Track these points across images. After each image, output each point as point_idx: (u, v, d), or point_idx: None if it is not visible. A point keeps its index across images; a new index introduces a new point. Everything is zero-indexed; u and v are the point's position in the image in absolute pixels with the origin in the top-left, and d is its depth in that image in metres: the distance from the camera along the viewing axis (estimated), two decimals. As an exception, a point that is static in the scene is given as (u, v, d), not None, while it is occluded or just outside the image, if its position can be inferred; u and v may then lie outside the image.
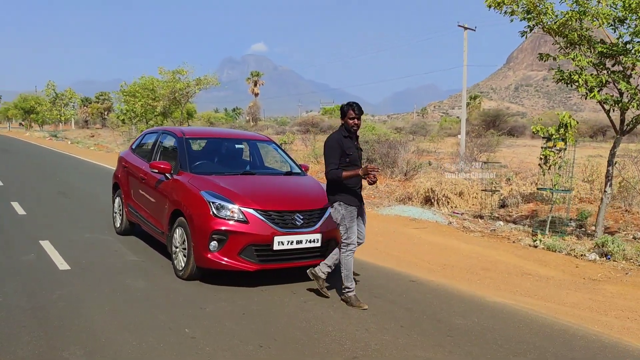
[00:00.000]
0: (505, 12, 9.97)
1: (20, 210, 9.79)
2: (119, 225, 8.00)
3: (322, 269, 5.48)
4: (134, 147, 8.16)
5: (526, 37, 10.27)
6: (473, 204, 13.66)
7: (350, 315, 4.99)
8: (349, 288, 5.33)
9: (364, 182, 5.52)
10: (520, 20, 9.99)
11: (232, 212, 5.53)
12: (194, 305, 5.08)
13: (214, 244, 5.48)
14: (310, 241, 5.72)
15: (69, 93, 50.39)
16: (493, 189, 13.88)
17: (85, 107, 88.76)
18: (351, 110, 5.23)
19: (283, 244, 5.57)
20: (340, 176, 5.15)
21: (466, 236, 9.23)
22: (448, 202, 13.38)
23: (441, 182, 14.04)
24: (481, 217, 11.69)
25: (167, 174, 6.40)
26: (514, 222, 10.93)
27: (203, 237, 5.50)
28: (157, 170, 6.43)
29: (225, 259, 5.47)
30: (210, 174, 6.27)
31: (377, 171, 5.13)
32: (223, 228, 5.46)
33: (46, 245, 7.14)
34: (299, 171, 7.04)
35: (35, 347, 3.99)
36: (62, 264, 6.30)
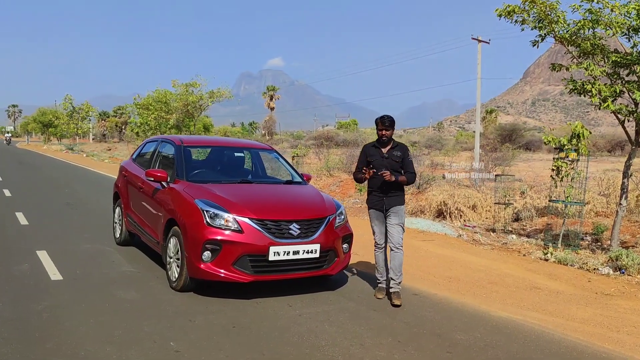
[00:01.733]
0: (516, 21, 9.76)
1: (23, 221, 9.74)
2: (118, 235, 7.88)
3: (395, 281, 5.74)
4: (134, 156, 8.06)
5: (537, 46, 10.02)
6: (486, 217, 13.37)
7: (346, 330, 4.76)
8: (377, 279, 5.96)
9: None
10: (532, 29, 9.78)
11: (226, 221, 5.35)
12: (183, 317, 4.89)
13: (207, 254, 5.30)
14: (307, 252, 5.52)
15: (86, 107, 51.04)
16: (506, 202, 13.57)
17: (103, 121, 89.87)
18: (380, 123, 5.74)
19: (279, 255, 5.37)
20: (357, 178, 5.92)
21: (475, 249, 8.95)
22: (461, 216, 13.12)
23: (453, 195, 13.80)
24: (494, 230, 11.39)
25: (163, 182, 6.27)
26: (528, 236, 10.62)
27: (196, 247, 5.32)
28: (152, 179, 6.30)
29: (219, 269, 5.29)
30: (207, 182, 6.12)
31: (368, 172, 5.66)
32: (216, 237, 5.29)
33: (42, 255, 7.02)
34: (300, 180, 6.87)
35: (10, 359, 3.83)
36: (54, 275, 6.17)
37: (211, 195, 5.67)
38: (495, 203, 13.31)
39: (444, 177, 22.81)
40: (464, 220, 12.77)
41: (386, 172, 5.54)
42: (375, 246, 5.93)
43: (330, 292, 5.93)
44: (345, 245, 6.01)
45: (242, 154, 7.24)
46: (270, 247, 5.32)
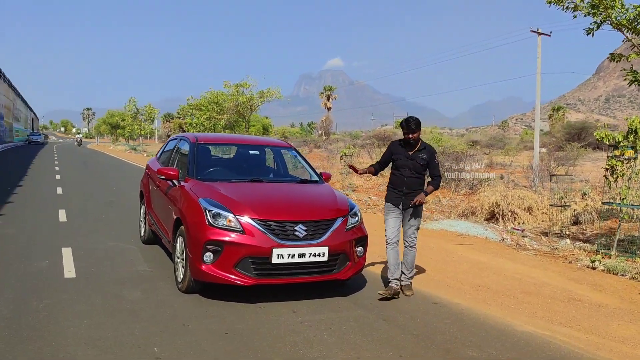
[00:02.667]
0: (567, 8, 9.04)
1: (62, 218, 9.95)
2: (143, 233, 7.85)
3: (406, 275, 5.80)
4: (159, 154, 8.01)
5: (592, 35, 9.23)
6: (542, 220, 12.57)
7: (346, 341, 4.40)
8: (388, 279, 5.78)
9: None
10: (585, 16, 9.02)
11: (229, 221, 5.12)
12: (179, 320, 4.69)
13: (208, 254, 5.07)
14: (314, 255, 5.19)
15: (149, 108, 52.82)
16: (563, 204, 12.68)
17: (167, 122, 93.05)
18: (405, 126, 5.68)
19: (283, 257, 5.08)
20: (374, 169, 6.09)
21: (516, 255, 8.30)
22: (515, 218, 12.40)
23: (507, 196, 13.06)
24: (547, 234, 10.63)
25: (174, 181, 6.13)
26: (587, 241, 9.78)
27: (197, 247, 5.12)
28: (164, 177, 6.18)
29: (220, 271, 5.05)
30: (217, 180, 5.92)
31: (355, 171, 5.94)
32: (218, 238, 5.05)
33: (66, 252, 7.06)
34: (317, 179, 6.55)
35: (-11, 360, 3.75)
36: (69, 272, 6.16)
37: (216, 194, 5.46)
38: (550, 205, 12.47)
39: (501, 177, 21.86)
40: (518, 223, 12.05)
41: (417, 199, 5.59)
42: (386, 243, 5.76)
43: (342, 298, 5.58)
44: (359, 249, 5.63)
45: (257, 152, 6.98)
46: (274, 250, 5.04)
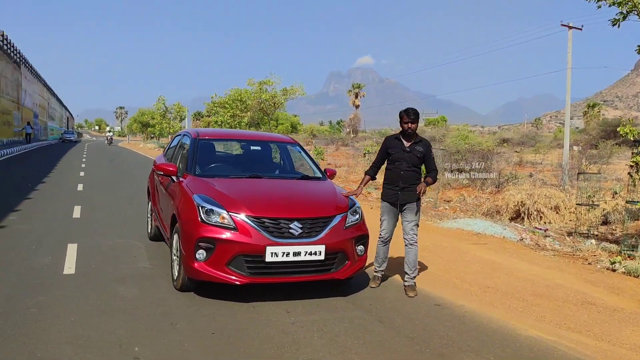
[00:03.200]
0: (591, -1, 8.68)
1: (76, 214, 10.02)
2: (149, 230, 7.81)
3: (410, 275, 5.69)
4: (165, 150, 7.96)
5: (618, 26, 8.82)
6: (570, 220, 12.13)
7: (337, 343, 4.22)
8: (375, 269, 5.92)
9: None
10: (609, 6, 8.64)
11: (222, 218, 4.98)
12: (167, 319, 4.59)
13: (200, 252, 4.95)
14: (310, 253, 5.01)
15: (177, 107, 53.42)
16: (590, 203, 12.20)
17: (197, 121, 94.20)
18: (405, 116, 5.60)
19: (277, 256, 4.92)
20: (369, 173, 5.96)
21: (533, 255, 7.96)
22: (541, 217, 12.00)
23: (533, 195, 12.66)
24: (571, 234, 10.22)
25: (173, 177, 6.04)
26: (616, 242, 9.34)
27: (190, 244, 5.00)
28: (162, 173, 6.10)
29: (212, 269, 4.92)
30: (215, 177, 5.80)
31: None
32: (210, 235, 4.93)
33: (71, 249, 7.05)
34: (320, 176, 6.37)
35: (-33, 356, 3.70)
36: (69, 269, 6.13)
37: (211, 190, 5.33)
38: (577, 204, 12.01)
39: (530, 176, 21.29)
40: (545, 223, 11.65)
41: (420, 187, 5.46)
42: (379, 240, 5.80)
43: (341, 298, 5.40)
44: (360, 247, 5.44)
45: (259, 148, 6.84)
46: (267, 248, 4.88)
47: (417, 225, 5.72)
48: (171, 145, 7.67)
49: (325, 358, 3.92)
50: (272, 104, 26.37)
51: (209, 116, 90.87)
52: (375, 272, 5.92)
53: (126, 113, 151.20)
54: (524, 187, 14.40)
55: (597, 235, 10.43)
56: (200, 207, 5.07)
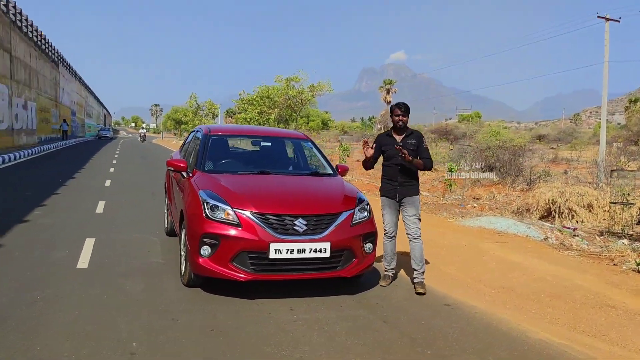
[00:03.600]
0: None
1: (99, 209, 10.18)
2: (166, 225, 7.87)
3: (418, 271, 5.64)
4: (182, 146, 8.00)
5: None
6: (604, 219, 11.72)
7: (335, 342, 4.14)
8: (385, 268, 5.85)
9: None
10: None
11: (227, 214, 4.96)
12: (169, 315, 4.58)
13: (205, 248, 4.93)
14: (315, 250, 4.94)
15: (209, 104, 54.01)
16: (625, 201, 11.75)
17: (230, 118, 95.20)
18: (397, 109, 5.66)
19: (281, 252, 4.86)
20: (364, 165, 5.89)
21: (556, 255, 7.69)
22: (573, 216, 11.63)
23: (564, 193, 12.28)
24: (603, 233, 9.86)
25: (183, 173, 6.05)
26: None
27: (195, 240, 4.99)
28: (172, 169, 6.12)
29: (217, 266, 4.90)
30: (222, 172, 5.78)
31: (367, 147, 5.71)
32: (214, 231, 4.90)
33: (88, 243, 7.15)
34: (330, 172, 6.29)
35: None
36: (83, 263, 6.21)
37: (217, 186, 5.31)
38: (611, 202, 11.59)
39: (565, 173, 20.68)
40: (577, 222, 11.29)
41: (404, 150, 5.45)
42: (385, 235, 5.75)
43: (348, 296, 5.30)
44: (368, 245, 5.33)
45: (269, 144, 6.79)
46: (271, 244, 4.83)
47: (419, 218, 5.67)
48: (187, 141, 7.70)
49: (322, 357, 3.85)
50: (300, 101, 26.35)
51: (240, 113, 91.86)
52: (385, 270, 5.84)
53: (161, 110, 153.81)
54: (555, 185, 13.99)
55: (631, 235, 10.03)
56: (205, 203, 5.05)
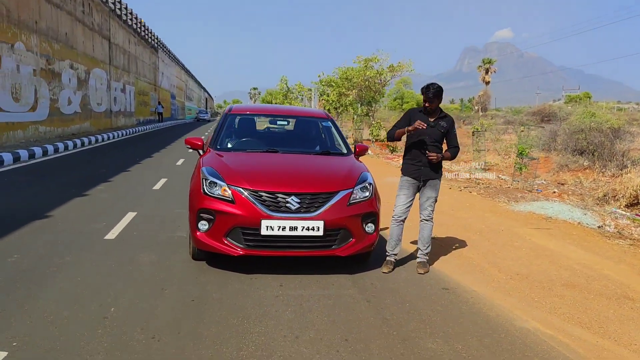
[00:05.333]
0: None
1: (157, 186, 10.77)
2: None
3: (422, 251, 5.62)
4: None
5: None
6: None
7: (305, 319, 4.16)
8: (387, 252, 5.62)
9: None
10: None
11: (223, 190, 5.10)
12: (160, 285, 4.81)
13: (203, 222, 5.11)
14: (308, 228, 4.95)
15: (299, 87, 54.77)
16: None
17: (322, 100, 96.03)
18: (424, 93, 5.43)
19: (273, 229, 4.93)
20: (392, 133, 5.60)
21: (600, 243, 7.11)
22: None
23: (656, 179, 11.34)
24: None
25: (199, 150, 6.28)
26: None
27: (194, 215, 5.20)
28: (190, 147, 6.36)
29: (212, 240, 5.07)
30: (232, 150, 5.93)
31: (423, 127, 5.24)
32: (210, 207, 5.07)
33: (128, 216, 7.62)
34: (344, 151, 6.23)
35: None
36: (112, 234, 6.63)
37: (219, 163, 5.47)
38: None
39: (673, 159, 18.85)
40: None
41: (433, 154, 5.34)
42: (392, 218, 5.55)
43: (344, 275, 5.28)
44: (369, 225, 5.26)
45: (286, 123, 6.83)
46: (263, 221, 4.91)
47: (436, 201, 5.54)
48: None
49: (280, 333, 3.88)
50: (379, 82, 26.01)
51: (322, 96, 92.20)
52: (387, 255, 5.63)
53: (259, 93, 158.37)
54: (648, 170, 12.86)
55: None
56: (204, 180, 5.23)
